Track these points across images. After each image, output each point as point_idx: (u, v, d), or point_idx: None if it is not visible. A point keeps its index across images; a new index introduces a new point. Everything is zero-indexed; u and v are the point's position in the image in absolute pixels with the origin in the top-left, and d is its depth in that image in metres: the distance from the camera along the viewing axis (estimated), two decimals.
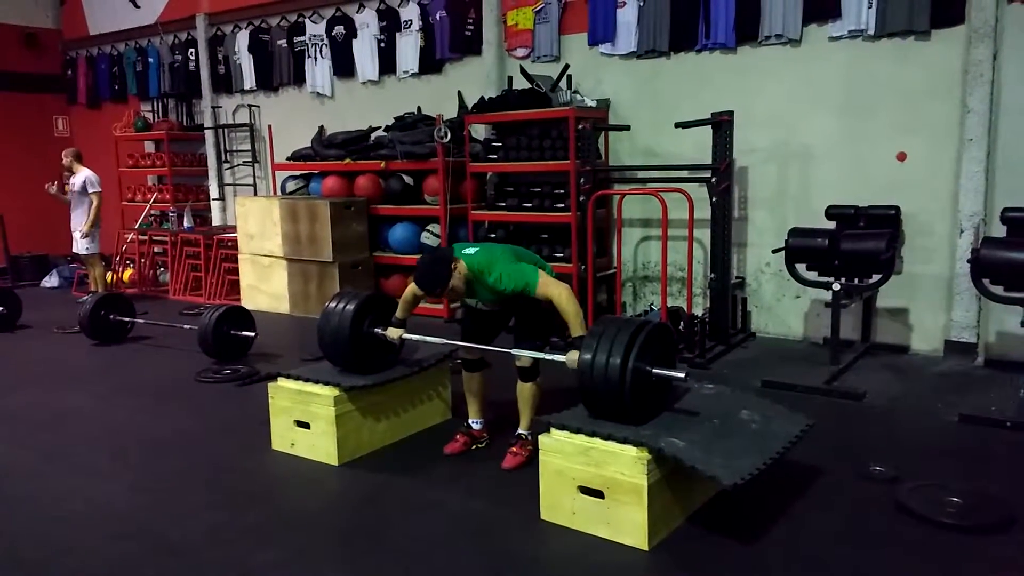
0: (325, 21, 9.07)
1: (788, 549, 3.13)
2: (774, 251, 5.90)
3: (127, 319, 7.13)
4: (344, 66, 8.99)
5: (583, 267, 6.55)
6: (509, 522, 3.43)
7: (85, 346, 6.96)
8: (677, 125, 6.12)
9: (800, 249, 5.51)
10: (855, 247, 5.34)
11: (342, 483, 3.97)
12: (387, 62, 8.64)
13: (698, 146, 6.23)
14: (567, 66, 7.11)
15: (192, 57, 10.52)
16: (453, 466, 4.07)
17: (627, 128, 6.85)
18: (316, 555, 3.22)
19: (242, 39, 9.91)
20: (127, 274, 10.02)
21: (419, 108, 8.30)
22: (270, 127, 9.27)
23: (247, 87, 9.99)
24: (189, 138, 10.66)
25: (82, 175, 8.42)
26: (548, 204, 6.94)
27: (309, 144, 8.77)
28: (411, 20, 8.39)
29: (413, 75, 8.48)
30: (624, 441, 3.15)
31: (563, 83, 7.05)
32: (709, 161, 6.01)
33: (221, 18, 10.09)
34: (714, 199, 6.01)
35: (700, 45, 6.62)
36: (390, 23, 8.55)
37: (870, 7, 5.85)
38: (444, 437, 4.30)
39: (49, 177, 9.53)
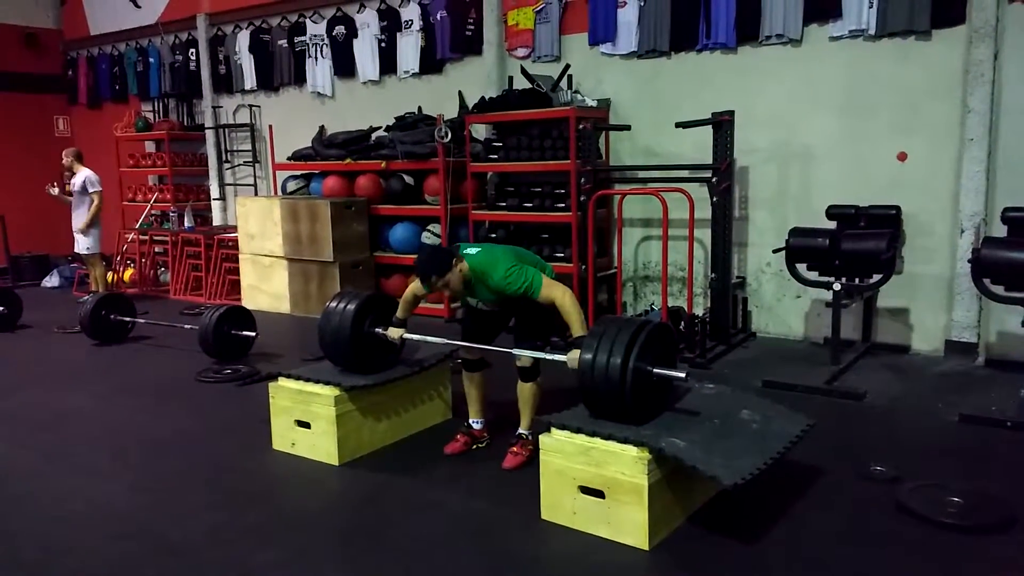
0: (326, 21, 9.07)
1: (789, 549, 3.13)
2: (775, 251, 5.90)
3: (128, 319, 7.13)
4: (345, 66, 8.99)
5: (584, 267, 6.55)
6: (510, 522, 3.43)
7: (86, 346, 6.96)
8: (678, 125, 6.12)
9: (801, 249, 5.51)
10: (856, 247, 5.34)
11: (343, 483, 3.97)
12: (388, 62, 8.64)
13: (699, 146, 6.23)
14: (568, 66, 7.11)
15: (193, 57, 10.53)
16: (454, 466, 4.07)
17: (628, 128, 6.85)
18: (317, 555, 3.22)
19: (243, 39, 9.91)
20: (128, 274, 10.03)
21: (420, 108, 8.30)
22: (271, 127, 9.28)
23: (248, 87, 10.00)
24: (190, 138, 10.66)
25: (82, 175, 8.42)
26: (549, 204, 6.95)
27: (310, 144, 8.77)
28: (412, 20, 8.39)
29: (414, 75, 8.48)
30: (625, 441, 3.15)
31: (564, 83, 7.04)
32: (710, 161, 6.01)
33: (222, 18, 10.09)
34: (715, 199, 6.01)
35: (701, 45, 6.62)
36: (391, 23, 8.55)
37: (871, 7, 5.84)
38: (445, 437, 4.30)
39: (50, 177, 9.54)
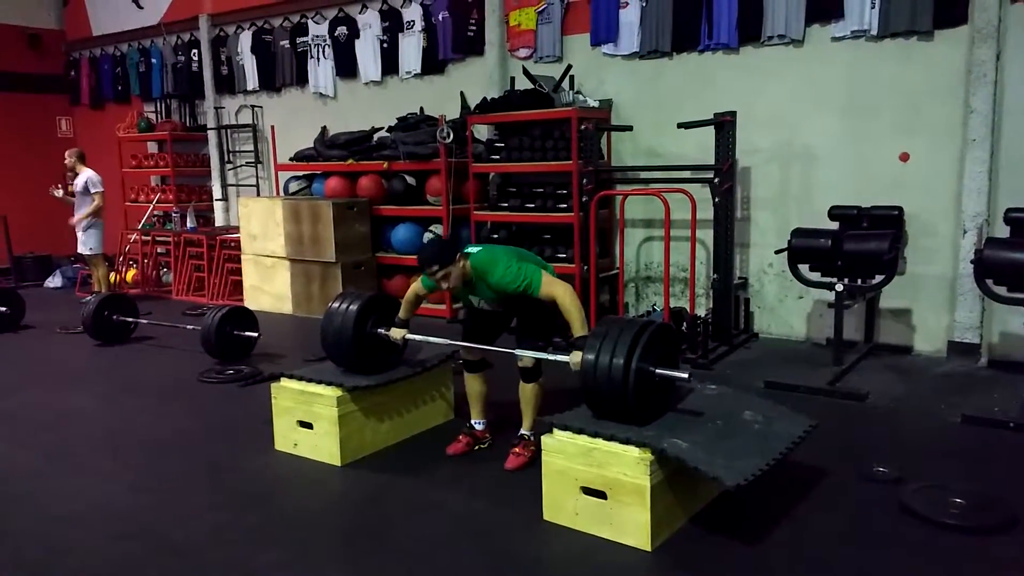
0: (328, 22, 9.08)
1: (791, 550, 3.13)
2: (777, 252, 5.89)
3: (130, 319, 7.14)
4: (347, 67, 9.00)
5: (586, 268, 6.55)
6: (511, 523, 3.43)
7: (88, 346, 6.97)
8: (680, 125, 6.11)
9: (803, 249, 5.50)
10: (858, 248, 5.33)
11: (345, 483, 3.98)
12: (390, 63, 8.64)
13: (701, 146, 6.22)
14: (569, 66, 7.11)
15: (195, 58, 10.54)
16: (456, 467, 4.07)
17: (629, 129, 6.85)
18: (319, 555, 3.22)
19: (245, 40, 9.92)
20: (130, 275, 10.05)
21: (422, 108, 8.31)
22: (273, 128, 9.29)
23: (250, 88, 10.00)
24: (192, 139, 10.67)
25: (85, 175, 8.42)
26: (551, 205, 6.95)
27: (312, 145, 8.78)
28: (414, 21, 8.40)
29: (416, 75, 8.49)
30: (627, 442, 3.15)
31: (565, 83, 7.04)
32: (712, 161, 6.00)
33: (224, 19, 10.10)
34: (717, 199, 6.01)
35: (703, 45, 6.62)
36: (392, 24, 8.55)
37: (873, 7, 5.84)
38: (447, 438, 4.30)
39: (53, 177, 9.56)
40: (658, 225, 6.70)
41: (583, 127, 6.47)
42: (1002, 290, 4.73)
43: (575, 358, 3.48)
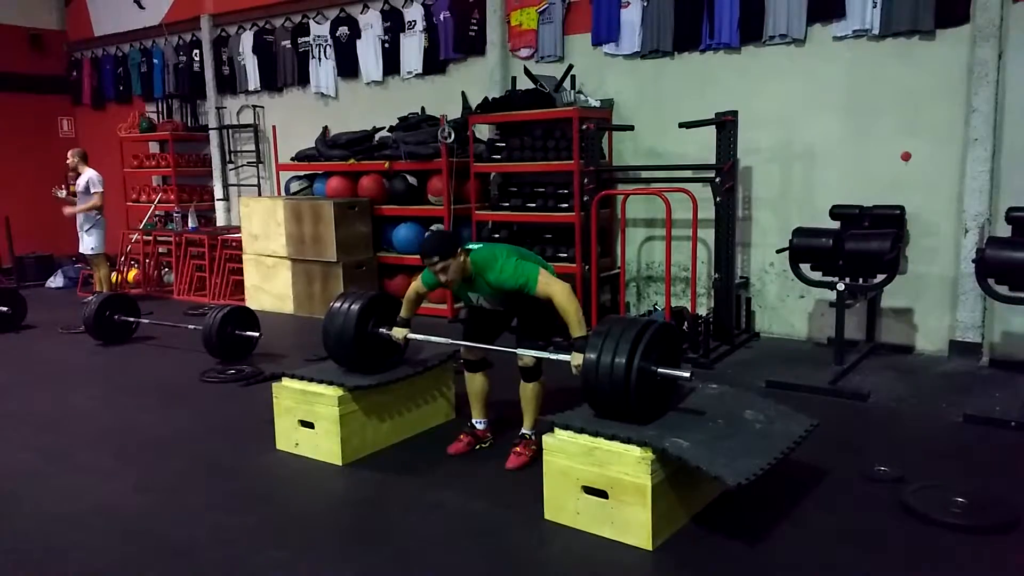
0: (329, 22, 9.08)
1: (792, 549, 3.13)
2: (778, 251, 5.89)
3: (132, 319, 7.14)
4: (348, 67, 9.00)
5: (587, 267, 6.55)
6: (513, 522, 3.43)
7: (90, 346, 6.98)
8: (681, 125, 6.11)
9: (804, 249, 5.49)
10: (859, 247, 5.32)
11: (346, 483, 3.98)
12: (391, 63, 8.65)
13: (702, 146, 6.22)
14: (571, 66, 7.11)
15: (196, 58, 10.55)
16: (457, 466, 4.07)
17: (631, 128, 6.85)
18: (320, 555, 3.22)
19: (246, 40, 9.92)
20: (132, 274, 10.05)
21: (423, 108, 8.31)
22: (274, 128, 9.29)
23: (251, 88, 10.01)
24: (194, 139, 10.67)
25: (87, 176, 8.44)
26: (552, 204, 6.95)
27: (313, 145, 8.78)
28: (415, 21, 8.40)
29: (417, 75, 8.49)
30: (628, 441, 3.14)
31: (567, 83, 7.05)
32: (713, 161, 6.00)
33: (225, 19, 10.11)
34: (718, 199, 6.01)
35: (704, 45, 6.62)
36: (394, 24, 8.55)
37: (874, 7, 5.83)
38: (448, 437, 4.31)
39: (54, 177, 9.57)
40: (659, 225, 6.70)
41: (584, 127, 6.47)
42: (1004, 289, 4.73)
43: (576, 360, 3.48)
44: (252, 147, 10.17)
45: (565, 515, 3.33)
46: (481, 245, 3.98)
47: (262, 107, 10.05)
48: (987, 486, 3.61)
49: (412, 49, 8.46)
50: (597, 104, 7.01)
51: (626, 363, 3.20)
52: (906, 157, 5.90)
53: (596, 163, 6.55)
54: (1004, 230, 5.11)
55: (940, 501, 3.36)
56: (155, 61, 11.06)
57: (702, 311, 6.42)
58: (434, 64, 8.33)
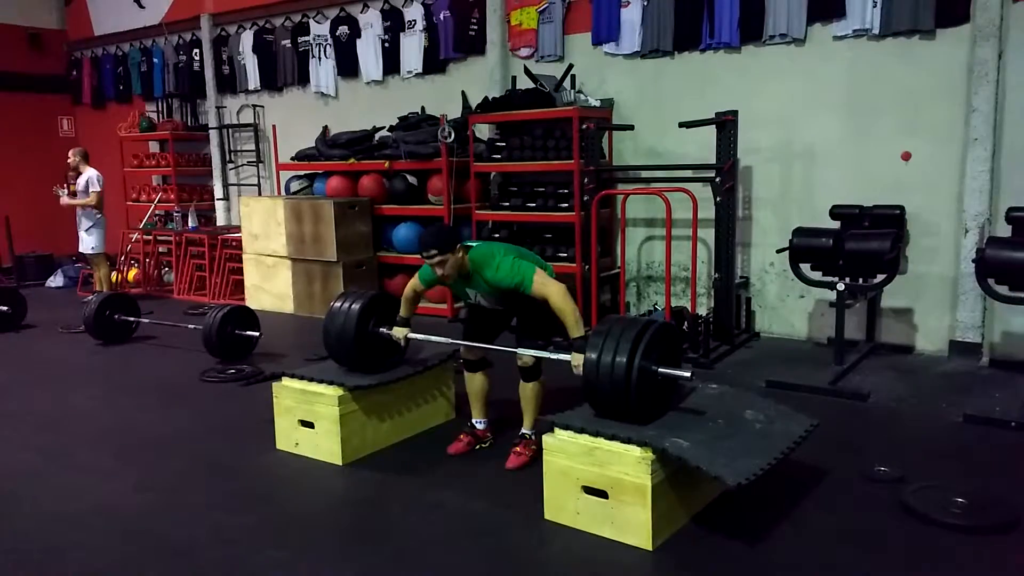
0: (329, 21, 9.08)
1: (792, 549, 3.13)
2: (778, 251, 5.88)
3: (132, 319, 7.14)
4: (348, 66, 9.00)
5: (587, 267, 6.55)
6: (512, 522, 3.43)
7: (90, 346, 6.98)
8: (681, 125, 6.11)
9: (804, 249, 5.49)
10: (859, 247, 5.32)
11: (346, 483, 3.98)
12: (391, 62, 8.64)
13: (702, 146, 6.22)
14: (571, 66, 7.11)
15: (196, 57, 10.55)
16: (457, 466, 4.07)
17: (631, 128, 6.85)
18: (319, 555, 3.22)
19: (246, 39, 9.92)
20: (132, 274, 10.05)
21: (423, 108, 8.31)
22: (274, 127, 9.28)
23: (251, 87, 10.01)
24: (194, 138, 10.67)
25: (87, 175, 8.45)
26: (552, 204, 6.95)
27: (313, 144, 8.78)
28: (415, 20, 8.40)
29: (417, 75, 8.49)
30: (628, 441, 3.14)
31: (567, 83, 7.04)
32: (713, 161, 6.00)
33: (225, 18, 10.11)
34: (718, 199, 6.01)
35: (704, 44, 6.62)
36: (394, 23, 8.55)
37: (875, 6, 5.83)
38: (448, 437, 4.31)
39: (54, 177, 9.55)
40: (659, 224, 6.70)
41: (584, 126, 6.47)
42: (1004, 289, 4.72)
43: (576, 360, 3.48)
44: (252, 146, 10.16)
45: (565, 515, 3.33)
46: (479, 243, 3.99)
47: (262, 106, 10.04)
48: (987, 486, 3.61)
49: (412, 48, 8.46)
50: (597, 104, 7.01)
51: (627, 363, 3.20)
52: (906, 157, 5.90)
53: (596, 163, 6.55)
54: (1004, 230, 5.11)
55: (940, 501, 3.36)
56: (155, 60, 11.06)
57: (702, 311, 6.42)
58: (434, 63, 8.33)
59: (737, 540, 3.19)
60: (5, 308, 7.78)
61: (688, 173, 6.25)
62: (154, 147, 11.23)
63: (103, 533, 3.46)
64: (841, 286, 5.28)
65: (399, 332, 4.18)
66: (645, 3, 6.82)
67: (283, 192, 9.11)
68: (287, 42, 9.52)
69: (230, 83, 10.24)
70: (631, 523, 3.13)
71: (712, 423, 3.43)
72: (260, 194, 10.01)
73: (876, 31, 5.87)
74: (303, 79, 9.46)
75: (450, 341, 4.35)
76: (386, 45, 8.66)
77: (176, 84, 10.89)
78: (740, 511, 3.40)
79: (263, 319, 6.56)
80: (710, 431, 3.34)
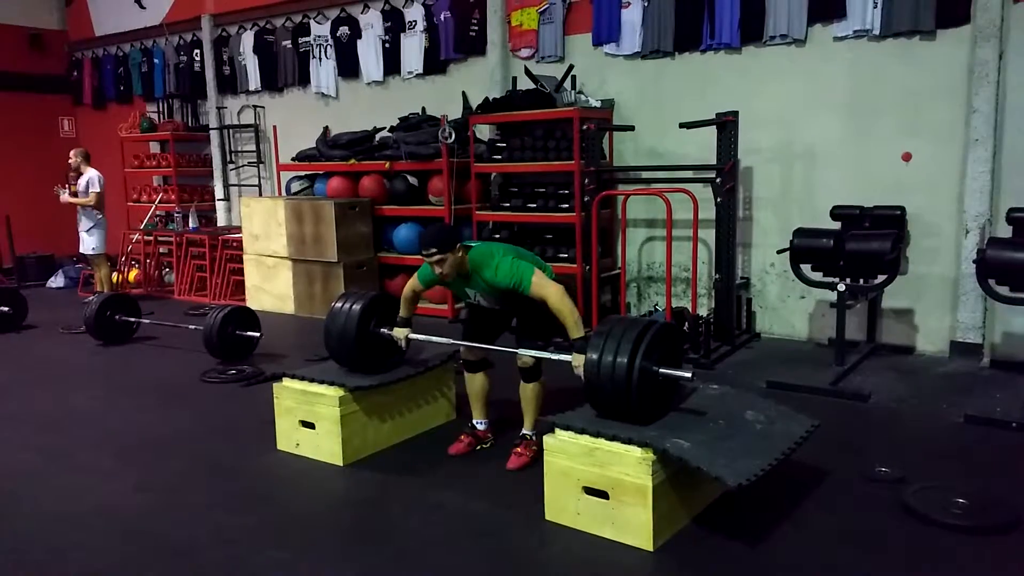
0: (330, 22, 9.08)
1: (793, 550, 3.13)
2: (779, 251, 5.89)
3: (132, 319, 7.15)
4: (349, 67, 9.00)
5: (587, 268, 6.54)
6: (513, 523, 3.43)
7: (90, 346, 6.98)
8: (682, 125, 6.11)
9: (805, 249, 5.50)
10: (860, 247, 5.32)
11: (346, 483, 3.98)
12: (392, 63, 8.65)
13: (702, 146, 6.22)
14: (571, 66, 7.11)
15: (197, 58, 10.55)
16: (457, 467, 4.07)
17: (631, 128, 6.85)
18: (320, 555, 3.22)
19: (247, 40, 9.93)
20: (132, 275, 10.05)
21: (423, 109, 8.31)
22: (275, 128, 9.29)
23: (252, 88, 10.01)
24: (194, 139, 10.68)
25: (88, 175, 8.45)
26: (552, 205, 6.95)
27: (314, 145, 8.78)
28: (415, 21, 8.40)
29: (417, 76, 8.49)
30: (629, 442, 3.14)
31: (567, 83, 7.05)
32: (714, 161, 6.00)
33: (226, 19, 10.11)
34: (719, 199, 6.01)
35: (705, 45, 6.62)
36: (394, 24, 8.55)
37: (875, 7, 5.83)
38: (448, 438, 4.31)
39: (55, 177, 9.57)
40: (660, 225, 6.70)
41: (585, 127, 6.47)
42: (1004, 290, 4.72)
43: (576, 360, 3.48)
44: (253, 147, 10.17)
45: (566, 516, 3.33)
46: (478, 243, 3.99)
47: (263, 107, 10.05)
48: (988, 487, 3.61)
49: (413, 49, 8.46)
50: (598, 104, 7.01)
51: (628, 363, 3.20)
52: (907, 158, 5.90)
53: (597, 163, 6.55)
54: (1005, 231, 5.10)
55: (941, 502, 3.36)
56: (156, 61, 11.07)
57: (703, 311, 6.42)
58: (435, 64, 8.33)
59: (738, 541, 3.19)
60: (6, 308, 7.78)
61: (689, 174, 6.25)
62: (155, 148, 11.23)
63: (103, 533, 3.46)
64: (842, 287, 5.28)
65: (400, 332, 4.18)
66: (646, 4, 6.82)
67: (284, 193, 9.11)
68: (288, 43, 9.52)
69: (231, 84, 10.25)
70: (632, 524, 3.13)
71: (713, 424, 3.43)
72: (261, 195, 10.01)
73: (877, 32, 5.87)
74: (304, 80, 9.46)
75: (451, 342, 4.35)
76: (387, 46, 8.66)
77: (177, 85, 10.89)
78: (741, 512, 3.40)
79: (264, 320, 6.56)
80: (711, 432, 3.34)
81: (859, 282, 5.49)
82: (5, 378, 6.09)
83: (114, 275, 9.38)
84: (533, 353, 3.88)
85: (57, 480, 4.09)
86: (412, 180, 7.99)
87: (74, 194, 8.57)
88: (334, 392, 4.09)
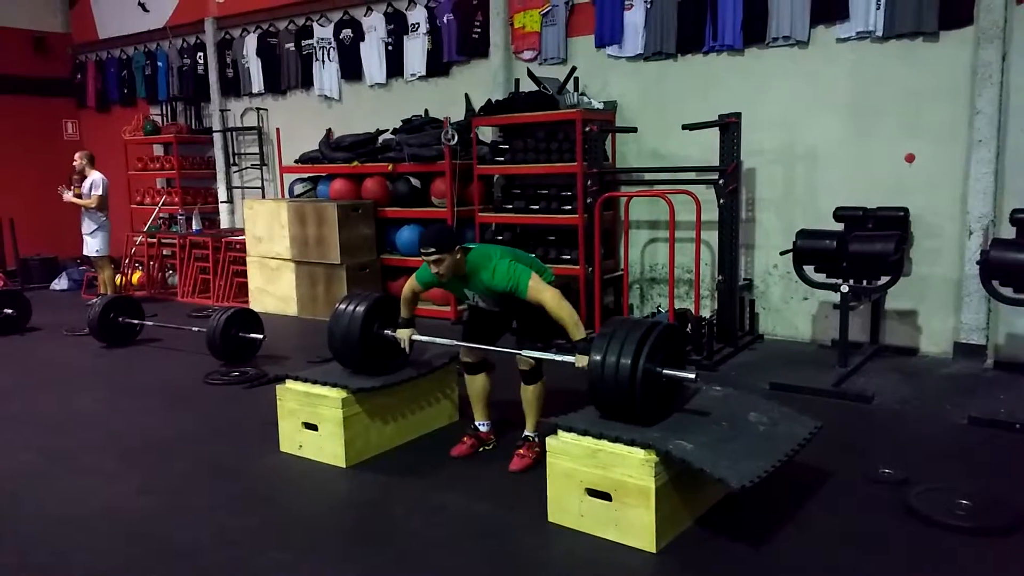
0: (333, 24, 9.09)
1: (797, 552, 3.12)
2: (782, 253, 5.89)
3: (136, 321, 7.16)
4: (352, 69, 9.01)
5: (590, 269, 6.54)
6: (516, 524, 3.42)
7: (94, 348, 6.99)
8: (684, 127, 6.11)
9: (808, 251, 5.49)
10: (863, 249, 5.32)
11: (349, 485, 3.98)
12: (394, 65, 8.66)
13: (705, 148, 6.22)
14: (574, 68, 7.12)
15: (201, 61, 10.57)
16: (460, 468, 4.07)
17: (634, 130, 6.85)
18: (323, 556, 3.23)
19: (250, 43, 9.95)
20: (136, 277, 10.07)
21: (426, 111, 8.32)
22: (278, 130, 9.31)
23: (255, 90, 10.03)
24: (198, 141, 10.70)
25: (92, 178, 8.47)
26: (555, 206, 6.94)
27: (317, 147, 8.79)
28: (418, 23, 8.41)
29: (420, 78, 8.50)
30: (632, 443, 3.14)
31: (570, 85, 7.05)
32: (716, 163, 6.00)
33: (229, 22, 10.14)
34: (721, 201, 6.00)
35: (707, 47, 6.62)
36: (397, 26, 8.57)
37: (878, 8, 5.83)
38: (451, 439, 4.31)
39: (59, 180, 9.56)
40: (663, 227, 6.70)
41: (587, 129, 6.47)
42: (1008, 291, 4.72)
43: (580, 361, 3.48)
44: (256, 149, 10.18)
45: (569, 517, 3.33)
46: (477, 246, 3.99)
47: (266, 110, 10.07)
48: (991, 488, 3.60)
49: (415, 51, 8.47)
50: (600, 106, 7.01)
51: (631, 364, 3.20)
52: (910, 159, 5.90)
53: (599, 165, 6.55)
54: (1008, 232, 5.09)
55: (944, 503, 3.35)
56: (159, 64, 11.10)
57: (706, 313, 6.42)
58: (437, 66, 8.34)
59: (741, 542, 3.18)
60: (10, 311, 7.79)
61: (691, 175, 6.24)
62: (158, 150, 11.26)
63: (107, 535, 3.47)
64: (845, 288, 5.27)
65: (403, 333, 4.18)
66: (648, 5, 6.83)
67: (287, 195, 9.13)
68: (291, 45, 9.54)
69: (234, 86, 10.27)
70: (635, 525, 3.13)
71: (716, 425, 3.42)
72: (264, 197, 10.03)
73: (879, 33, 5.86)
74: (307, 82, 9.48)
75: (454, 343, 4.34)
76: (389, 48, 8.67)
77: (180, 87, 10.92)
78: (744, 513, 3.40)
79: (267, 322, 6.57)
80: (714, 433, 3.34)
81: (862, 283, 5.48)
82: (9, 380, 6.10)
83: (118, 277, 9.39)
84: (534, 354, 3.87)
85: (61, 482, 4.10)
86: (415, 182, 8.00)
87: (78, 195, 8.59)
88: (337, 394, 4.09)
